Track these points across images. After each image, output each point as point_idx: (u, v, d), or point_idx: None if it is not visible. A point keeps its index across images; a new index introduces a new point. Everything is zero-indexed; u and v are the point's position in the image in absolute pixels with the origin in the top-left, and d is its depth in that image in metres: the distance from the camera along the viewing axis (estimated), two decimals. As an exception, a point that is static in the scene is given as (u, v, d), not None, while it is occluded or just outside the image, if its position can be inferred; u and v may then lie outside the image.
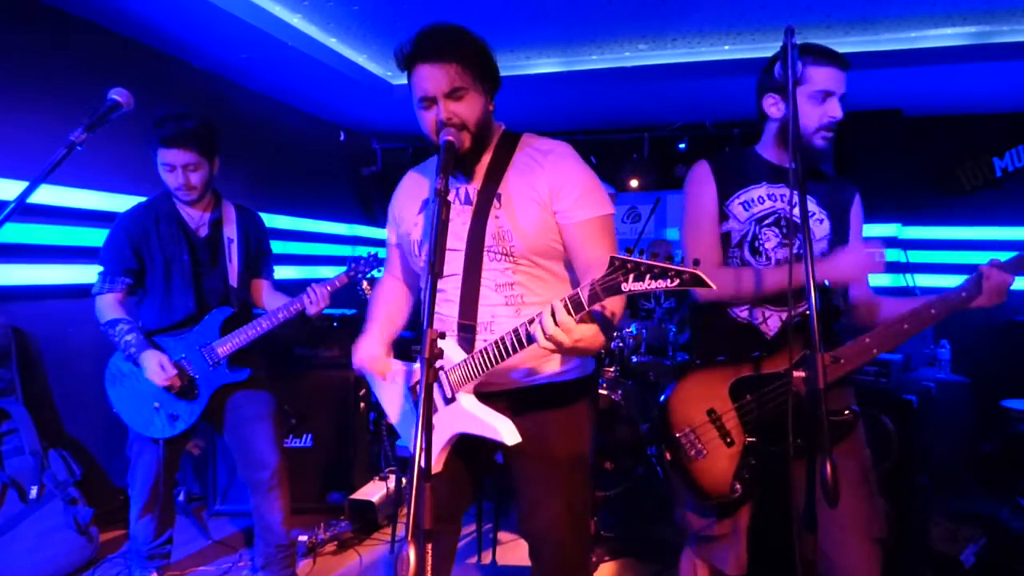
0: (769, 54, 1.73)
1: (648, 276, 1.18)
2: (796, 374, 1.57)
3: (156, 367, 2.23)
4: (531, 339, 1.34)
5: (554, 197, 1.52)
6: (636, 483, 3.38)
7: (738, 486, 1.67)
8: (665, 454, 1.76)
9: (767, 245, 1.73)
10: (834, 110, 1.66)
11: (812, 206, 1.75)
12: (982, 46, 3.67)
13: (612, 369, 3.65)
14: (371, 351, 1.72)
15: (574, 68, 4.25)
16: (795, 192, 1.72)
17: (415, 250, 1.67)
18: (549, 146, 1.59)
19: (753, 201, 1.75)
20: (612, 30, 3.85)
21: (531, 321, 1.34)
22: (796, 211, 1.70)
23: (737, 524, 1.77)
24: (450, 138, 1.44)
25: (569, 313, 1.27)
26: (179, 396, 2.31)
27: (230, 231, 2.42)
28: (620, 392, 3.44)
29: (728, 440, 1.68)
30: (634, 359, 3.82)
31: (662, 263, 1.18)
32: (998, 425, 3.81)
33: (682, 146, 5.34)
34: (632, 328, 3.87)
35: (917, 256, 4.88)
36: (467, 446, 1.58)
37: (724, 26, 3.75)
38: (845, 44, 3.83)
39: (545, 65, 4.30)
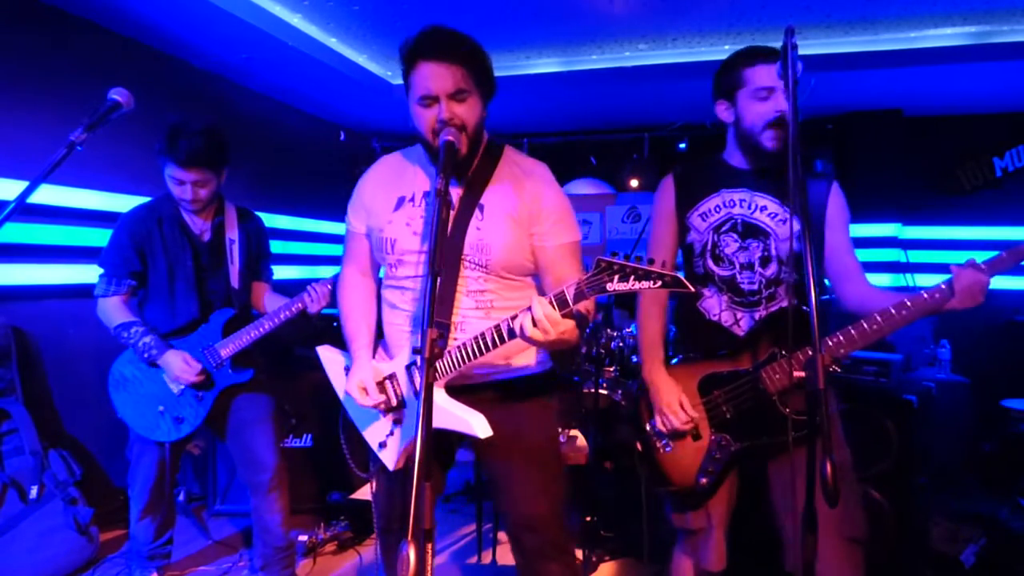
0: (769, 54, 1.73)
1: (632, 277, 1.28)
2: (797, 373, 1.58)
3: (182, 364, 2.25)
4: (513, 334, 1.43)
5: (533, 220, 1.60)
6: (636, 483, 3.37)
7: (703, 480, 1.72)
8: (636, 445, 1.82)
9: (727, 251, 1.77)
10: (779, 103, 1.66)
11: (774, 206, 1.76)
12: (982, 46, 3.67)
13: (612, 369, 3.65)
14: (364, 380, 1.65)
15: (574, 68, 4.25)
16: (757, 193, 1.76)
17: (387, 247, 1.66)
18: (531, 166, 1.66)
19: (710, 211, 1.79)
20: (612, 30, 3.85)
21: (514, 317, 1.41)
22: (756, 215, 1.75)
23: (713, 519, 1.79)
24: (451, 138, 1.45)
25: (554, 309, 1.35)
26: (198, 389, 2.31)
27: (231, 232, 2.42)
28: (620, 392, 3.44)
29: (695, 434, 1.73)
30: (634, 359, 3.81)
31: (645, 266, 1.27)
32: (998, 425, 3.81)
33: (682, 146, 5.34)
34: (632, 328, 3.86)
35: (917, 256, 4.88)
36: (435, 440, 1.60)
37: (724, 26, 3.75)
38: (845, 44, 3.83)
39: (545, 65, 4.29)
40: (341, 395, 1.82)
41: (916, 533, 2.58)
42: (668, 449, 1.75)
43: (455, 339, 1.57)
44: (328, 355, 1.86)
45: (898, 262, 4.86)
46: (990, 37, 3.64)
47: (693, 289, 1.25)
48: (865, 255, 4.89)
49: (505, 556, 2.93)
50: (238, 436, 2.43)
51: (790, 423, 1.54)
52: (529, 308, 1.36)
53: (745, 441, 1.70)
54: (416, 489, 1.09)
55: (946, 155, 4.93)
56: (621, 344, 3.71)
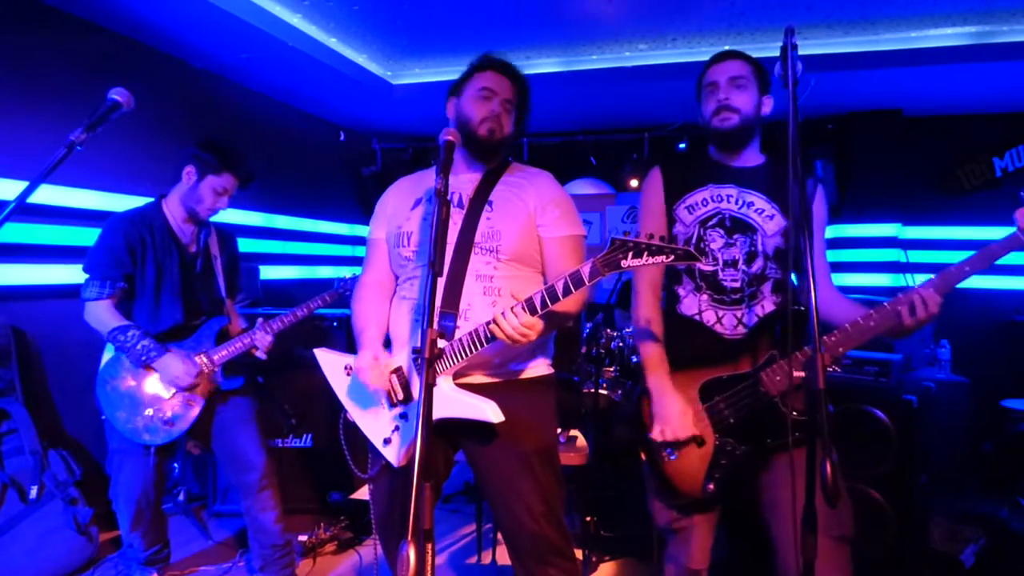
0: (769, 54, 1.73)
1: (646, 253, 1.37)
2: (797, 374, 1.58)
3: (181, 367, 2.26)
4: (489, 338, 1.52)
5: (539, 213, 1.74)
6: (636, 483, 3.37)
7: (711, 486, 1.70)
8: (640, 455, 1.80)
9: (713, 246, 1.77)
10: (719, 95, 1.84)
11: (762, 202, 1.77)
12: (982, 46, 3.67)
13: (612, 369, 3.65)
14: (372, 360, 1.70)
15: (574, 68, 4.25)
16: (745, 190, 1.79)
17: (404, 240, 1.77)
18: (535, 171, 1.85)
19: (697, 204, 1.80)
20: (612, 30, 3.85)
21: (491, 321, 1.50)
22: (744, 210, 1.77)
23: (695, 517, 1.78)
24: (450, 138, 1.52)
25: (526, 313, 1.47)
26: (192, 392, 2.31)
27: (214, 248, 2.48)
28: (620, 392, 3.44)
29: (699, 441, 1.71)
30: (634, 359, 3.81)
31: (656, 242, 1.38)
32: (998, 425, 3.81)
33: (682, 146, 5.33)
34: (632, 328, 3.86)
35: (917, 256, 4.88)
36: (436, 437, 1.66)
37: (724, 26, 3.76)
38: (845, 44, 3.83)
39: (545, 65, 4.30)
40: (341, 396, 1.82)
41: (916, 533, 2.58)
42: (673, 457, 1.73)
43: (458, 327, 1.63)
44: (326, 357, 1.86)
45: (898, 262, 4.86)
46: (990, 37, 3.64)
47: (701, 259, 1.35)
48: (865, 255, 4.89)
49: (505, 556, 2.92)
50: (222, 439, 2.43)
51: (791, 424, 1.54)
52: (503, 312, 1.47)
53: (750, 444, 1.69)
54: (416, 489, 1.09)
55: (946, 155, 4.93)
56: (621, 344, 3.70)
